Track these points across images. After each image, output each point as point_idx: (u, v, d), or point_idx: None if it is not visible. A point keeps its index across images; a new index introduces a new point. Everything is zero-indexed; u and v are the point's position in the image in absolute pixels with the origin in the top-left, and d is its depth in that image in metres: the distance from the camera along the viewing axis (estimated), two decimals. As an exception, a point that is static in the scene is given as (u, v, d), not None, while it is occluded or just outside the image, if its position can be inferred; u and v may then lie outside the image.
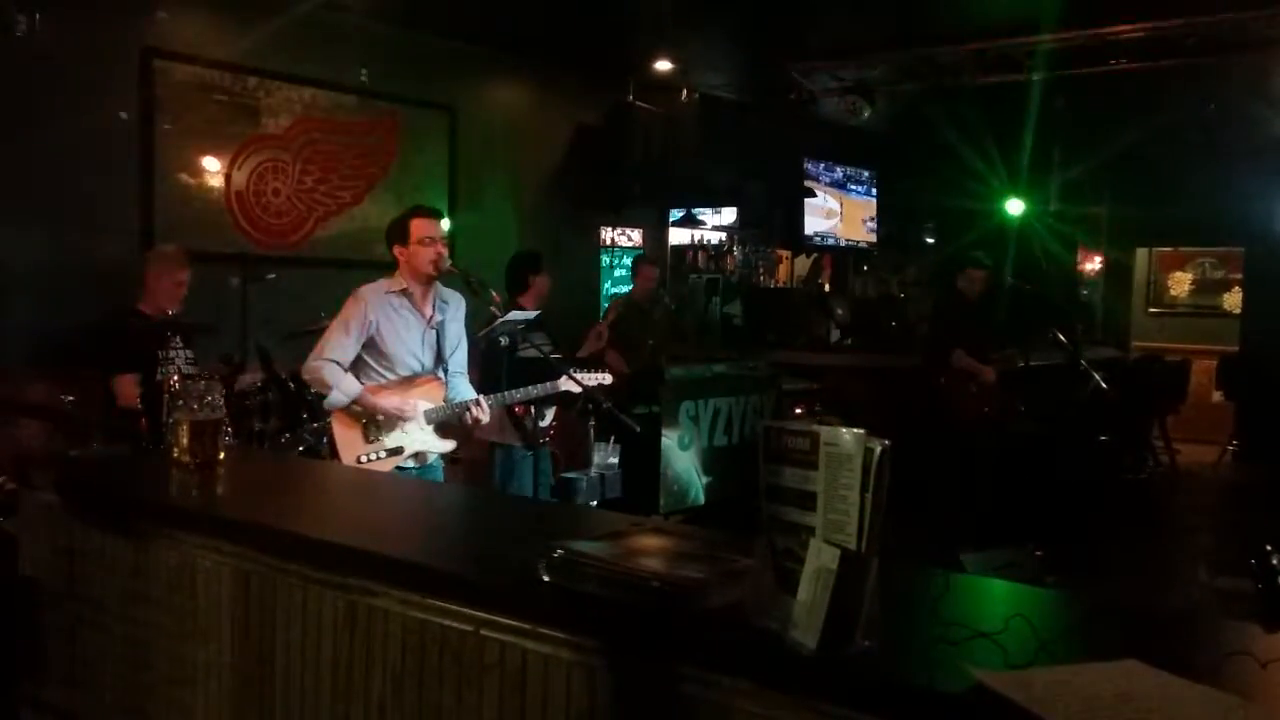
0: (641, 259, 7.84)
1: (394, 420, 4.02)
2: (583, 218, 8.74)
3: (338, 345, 4.01)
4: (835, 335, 10.05)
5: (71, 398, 4.73)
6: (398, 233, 4.11)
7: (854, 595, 1.46)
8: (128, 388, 4.68)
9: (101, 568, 2.56)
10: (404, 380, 4.09)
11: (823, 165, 10.44)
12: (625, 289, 8.06)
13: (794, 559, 1.52)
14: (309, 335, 5.33)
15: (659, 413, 6.15)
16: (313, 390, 4.40)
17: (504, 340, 4.46)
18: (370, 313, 4.03)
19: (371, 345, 4.05)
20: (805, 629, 1.48)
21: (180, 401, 2.73)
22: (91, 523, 2.60)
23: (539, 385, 4.51)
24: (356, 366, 4.06)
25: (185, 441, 2.71)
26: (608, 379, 4.84)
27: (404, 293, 4.10)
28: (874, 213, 11.21)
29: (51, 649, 2.72)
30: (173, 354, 4.88)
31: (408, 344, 4.11)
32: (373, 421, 4.02)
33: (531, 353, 4.55)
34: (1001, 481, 6.46)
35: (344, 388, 3.97)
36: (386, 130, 7.24)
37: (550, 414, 5.41)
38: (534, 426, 4.94)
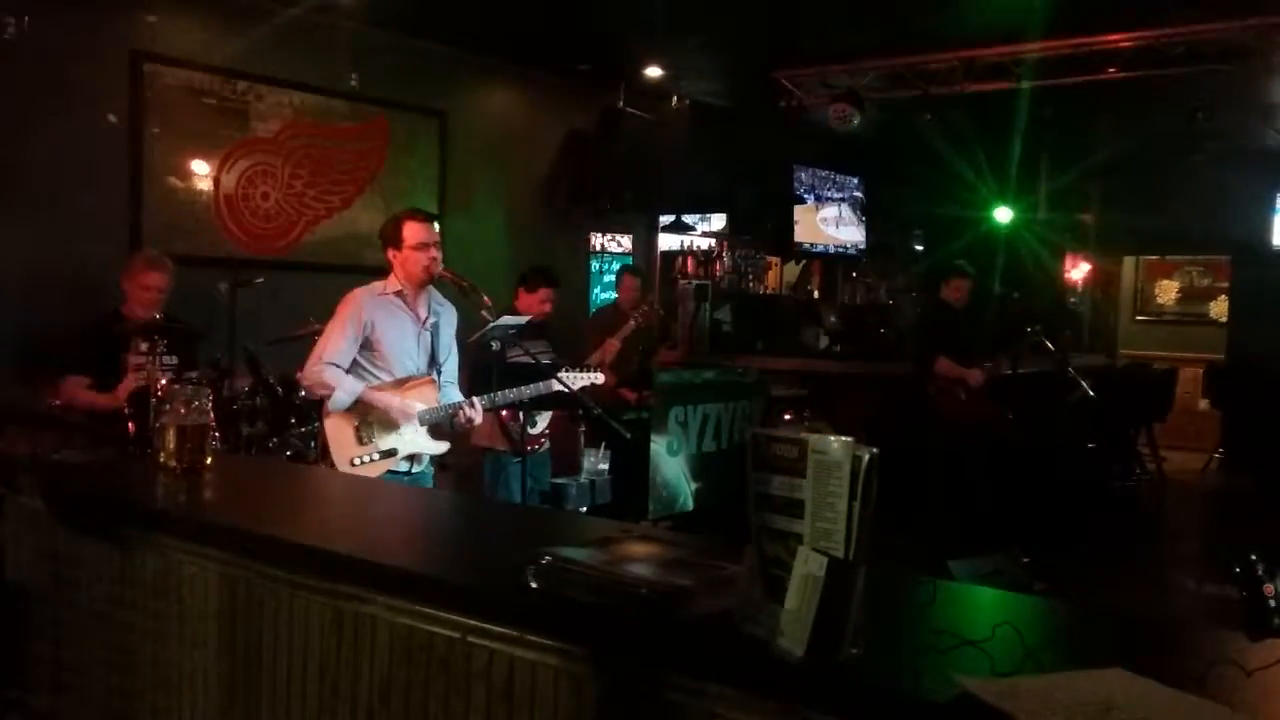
0: (626, 269, 7.85)
1: (391, 421, 4.02)
2: (572, 223, 8.75)
3: (335, 349, 4.00)
4: (824, 342, 10.06)
5: (58, 402, 4.71)
6: (391, 236, 4.11)
7: (842, 603, 1.46)
8: (71, 388, 4.67)
9: (87, 573, 2.55)
10: (398, 382, 4.09)
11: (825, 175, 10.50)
12: (612, 296, 8.07)
13: (782, 566, 1.52)
14: (297, 340, 5.34)
15: (648, 418, 6.15)
16: (310, 396, 4.38)
17: (495, 345, 4.46)
18: (365, 313, 4.03)
19: (367, 346, 4.05)
20: (793, 636, 1.48)
21: (167, 406, 2.72)
22: (77, 528, 2.58)
23: (530, 386, 4.51)
24: (352, 369, 4.05)
25: (172, 446, 2.70)
26: (599, 379, 4.85)
27: (398, 294, 4.11)
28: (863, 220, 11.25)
29: (36, 654, 2.71)
30: (150, 358, 4.84)
31: (403, 345, 4.11)
32: (366, 423, 4.01)
33: (522, 358, 4.55)
34: (989, 489, 6.48)
35: (346, 387, 3.96)
36: (376, 135, 7.23)
37: (542, 421, 5.41)
38: (522, 433, 4.93)
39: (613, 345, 6.54)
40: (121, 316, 4.92)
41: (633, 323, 6.73)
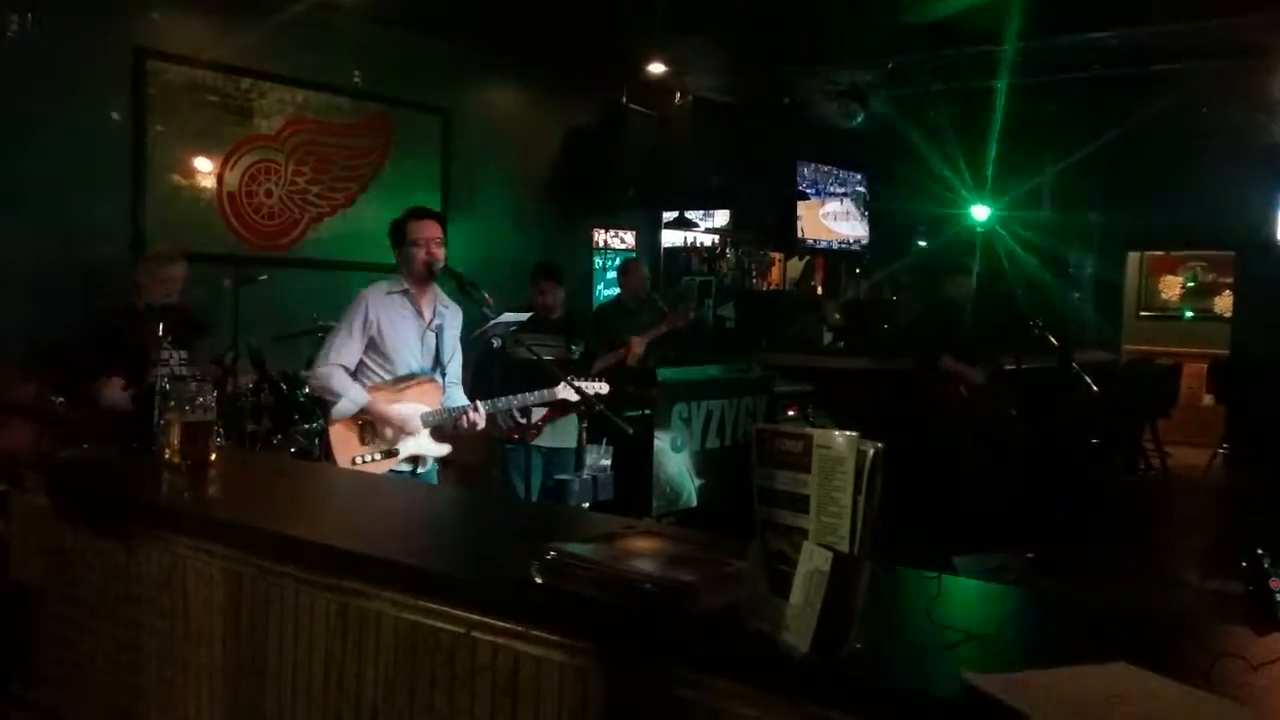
0: (630, 260, 7.84)
1: (396, 429, 4.04)
2: (575, 220, 8.75)
3: (343, 348, 4.03)
4: (828, 338, 10.05)
5: (61, 399, 4.72)
6: (396, 233, 4.16)
7: (846, 598, 1.46)
8: (110, 390, 4.70)
9: (92, 569, 2.56)
10: (401, 380, 4.10)
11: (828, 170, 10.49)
12: (615, 291, 8.06)
13: (786, 562, 1.52)
14: (301, 337, 5.35)
15: (651, 415, 6.16)
16: (315, 396, 4.40)
17: (496, 342, 4.47)
18: (371, 312, 4.06)
19: (372, 345, 4.07)
20: (798, 632, 1.48)
21: (172, 403, 2.72)
22: (82, 524, 2.59)
23: (536, 393, 4.52)
24: (356, 367, 4.07)
25: (177, 443, 2.70)
26: (605, 389, 4.85)
27: (404, 293, 4.13)
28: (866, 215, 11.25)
29: (41, 650, 2.71)
30: (165, 355, 4.87)
31: (407, 344, 4.13)
32: (370, 423, 4.02)
33: (524, 355, 4.56)
34: (993, 484, 6.47)
35: (352, 396, 3.98)
36: (379, 132, 7.23)
37: (538, 410, 5.43)
38: (515, 423, 4.95)
39: (638, 344, 6.55)
40: (136, 312, 4.94)
41: (666, 326, 6.72)
